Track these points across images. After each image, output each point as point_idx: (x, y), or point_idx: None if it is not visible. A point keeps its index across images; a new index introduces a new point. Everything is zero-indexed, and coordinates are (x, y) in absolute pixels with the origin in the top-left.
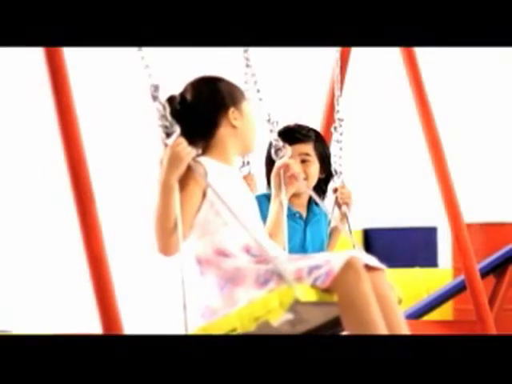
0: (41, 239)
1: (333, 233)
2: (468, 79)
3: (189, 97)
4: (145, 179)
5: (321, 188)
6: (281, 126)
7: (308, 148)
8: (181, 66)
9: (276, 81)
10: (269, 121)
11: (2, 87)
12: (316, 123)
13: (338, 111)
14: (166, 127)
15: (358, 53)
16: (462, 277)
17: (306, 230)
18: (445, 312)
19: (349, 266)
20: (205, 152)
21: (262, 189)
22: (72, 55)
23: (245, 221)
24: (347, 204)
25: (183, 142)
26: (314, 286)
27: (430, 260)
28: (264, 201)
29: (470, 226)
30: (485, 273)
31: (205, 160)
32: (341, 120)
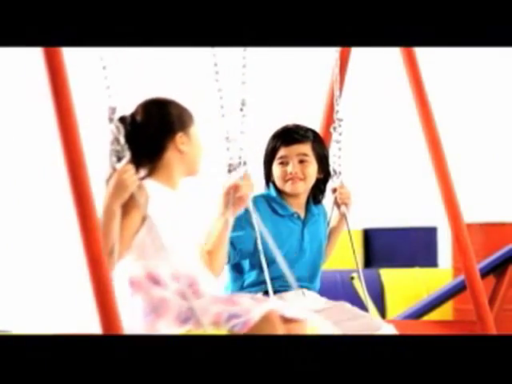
0: (41, 240)
1: (332, 233)
2: (468, 79)
3: (138, 118)
4: None
5: (319, 188)
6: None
7: (306, 148)
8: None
9: (276, 81)
10: (227, 139)
11: (1, 88)
12: (316, 123)
13: (337, 111)
14: (117, 151)
15: (358, 53)
16: (462, 277)
17: (303, 230)
18: (445, 312)
19: (265, 318)
20: (150, 174)
21: (260, 189)
22: (72, 55)
23: (180, 249)
24: (346, 204)
25: (130, 170)
26: (231, 331)
27: (430, 260)
28: (261, 201)
29: (470, 226)
30: (485, 273)
31: (149, 184)
32: (340, 120)
